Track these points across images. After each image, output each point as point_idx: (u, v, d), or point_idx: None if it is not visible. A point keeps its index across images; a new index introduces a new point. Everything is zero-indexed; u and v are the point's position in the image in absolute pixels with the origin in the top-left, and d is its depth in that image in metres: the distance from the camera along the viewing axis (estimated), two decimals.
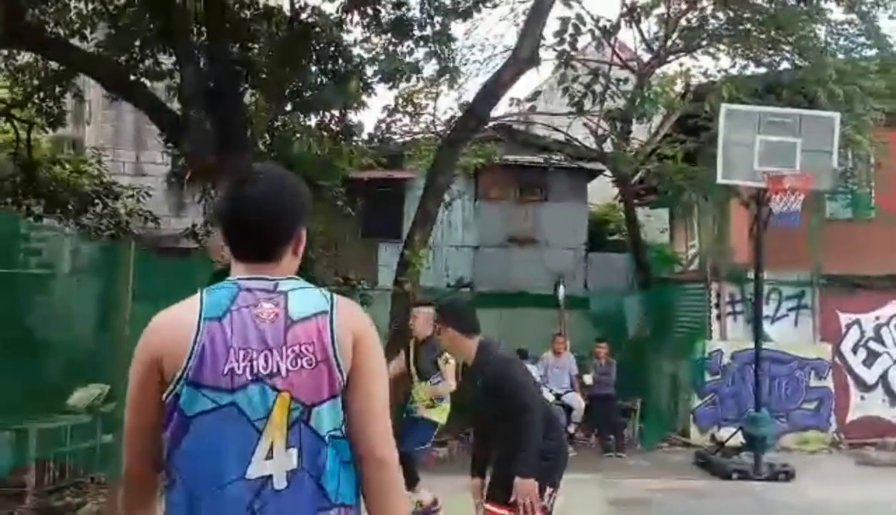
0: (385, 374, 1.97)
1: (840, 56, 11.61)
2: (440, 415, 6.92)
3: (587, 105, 12.21)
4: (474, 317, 4.63)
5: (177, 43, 9.44)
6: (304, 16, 10.61)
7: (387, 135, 12.63)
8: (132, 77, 10.29)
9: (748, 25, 12.34)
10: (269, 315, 1.84)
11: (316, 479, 1.81)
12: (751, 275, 10.40)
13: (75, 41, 10.25)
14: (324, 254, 10.98)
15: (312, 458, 1.81)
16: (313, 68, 10.71)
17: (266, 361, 1.80)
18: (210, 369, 1.79)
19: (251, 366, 1.80)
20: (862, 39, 12.09)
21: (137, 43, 10.31)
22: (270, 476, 1.78)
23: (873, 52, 11.83)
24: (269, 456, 1.78)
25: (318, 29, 10.59)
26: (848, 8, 11.63)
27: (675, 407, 12.53)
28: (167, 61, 10.47)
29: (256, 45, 10.91)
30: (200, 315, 1.83)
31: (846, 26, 12.21)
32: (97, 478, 7.60)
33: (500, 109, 12.90)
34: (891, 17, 11.76)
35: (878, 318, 12.21)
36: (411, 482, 6.36)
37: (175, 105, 10.17)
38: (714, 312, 12.15)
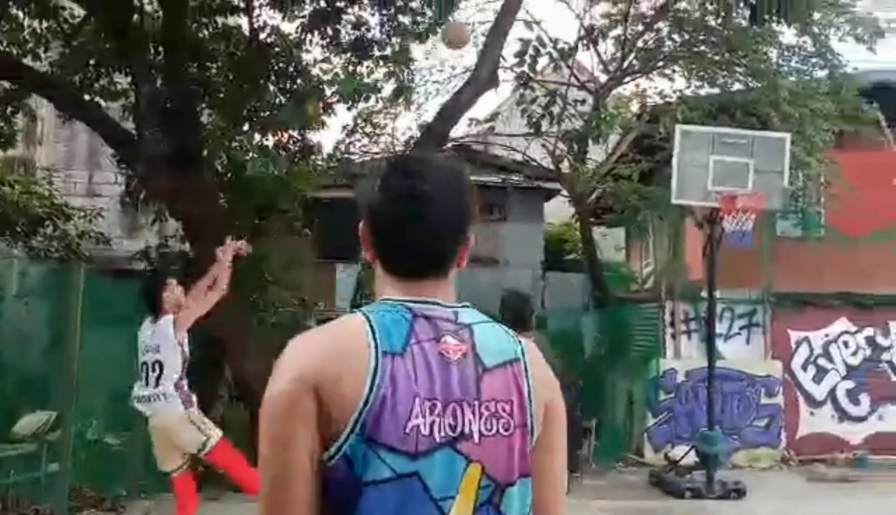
0: (564, 447, 1.55)
1: (791, 78, 11.93)
2: None
3: (545, 126, 12.34)
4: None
5: (132, 62, 9.33)
6: (262, 36, 10.57)
7: (346, 155, 12.60)
8: (86, 97, 10.13)
9: (702, 47, 12.63)
10: (456, 355, 1.41)
11: None
12: (704, 294, 10.56)
13: (28, 60, 10.07)
14: (281, 276, 10.90)
15: None
16: (272, 88, 10.67)
17: (455, 418, 1.37)
18: (391, 422, 1.32)
19: (439, 424, 1.36)
20: (813, 61, 12.41)
21: (92, 62, 10.16)
22: None
23: (824, 73, 12.16)
24: None
25: (276, 49, 10.56)
26: (799, 31, 11.94)
27: (630, 426, 12.64)
28: (122, 81, 10.34)
29: (214, 65, 10.82)
30: (376, 346, 1.36)
31: (798, 48, 12.54)
32: (42, 511, 7.36)
33: (460, 129, 12.97)
34: (841, 40, 12.08)
35: (826, 335, 12.48)
36: None
37: (130, 125, 10.04)
38: (668, 330, 12.32)
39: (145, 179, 10.00)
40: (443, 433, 1.35)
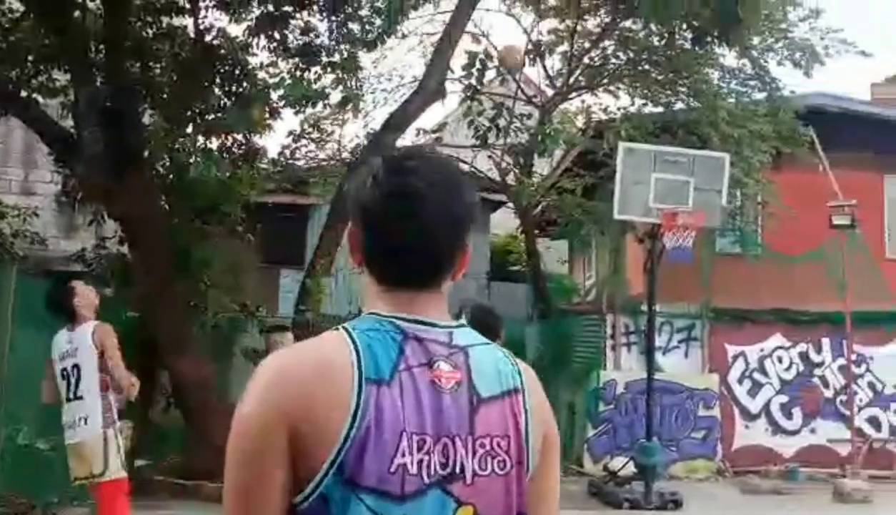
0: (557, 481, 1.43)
1: (731, 99, 12.24)
2: None
3: (491, 139, 12.43)
4: None
5: (73, 60, 9.12)
6: (208, 37, 10.43)
7: (291, 160, 12.50)
8: (23, 93, 9.86)
9: (647, 67, 12.88)
10: (449, 383, 1.25)
11: None
12: (644, 307, 10.73)
13: None
14: (223, 280, 10.75)
15: None
16: (217, 91, 10.52)
17: (446, 456, 1.22)
18: (375, 461, 1.17)
19: (428, 462, 1.20)
20: (752, 83, 12.75)
21: (30, 58, 9.89)
22: None
23: (762, 96, 12.50)
24: None
25: (222, 51, 10.42)
26: (739, 54, 12.26)
27: (570, 437, 12.75)
28: (62, 78, 10.08)
29: (158, 65, 10.63)
30: (359, 371, 1.20)
31: (738, 71, 12.87)
32: None
33: (407, 138, 12.97)
34: (779, 64, 12.46)
35: (762, 350, 12.78)
36: None
37: (69, 123, 9.80)
38: (609, 343, 12.49)
39: (83, 178, 9.78)
40: (432, 473, 1.21)
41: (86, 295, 5.21)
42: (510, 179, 13.91)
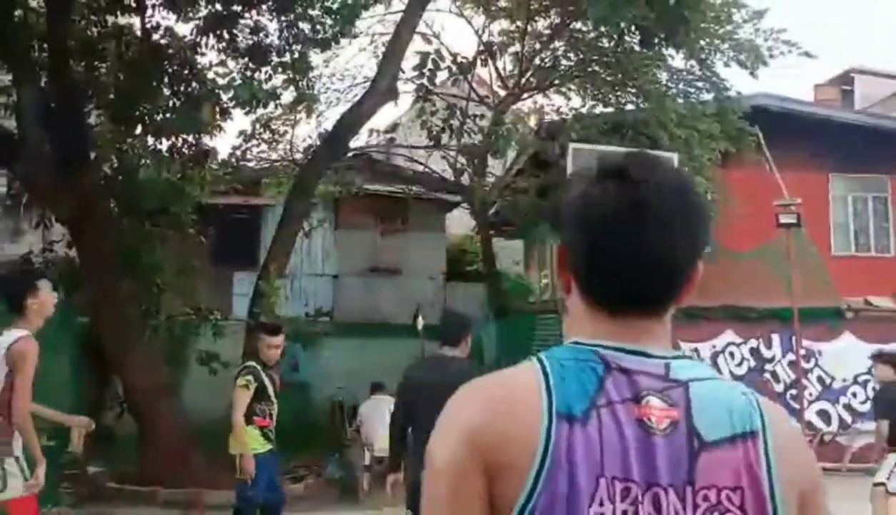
0: None
1: (679, 100, 12.41)
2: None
3: (445, 139, 12.45)
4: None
5: (14, 59, 8.91)
6: (156, 36, 10.28)
7: (242, 161, 12.37)
8: None
9: (596, 67, 12.99)
10: (662, 423, 1.07)
11: None
12: None
13: None
14: (175, 283, 10.60)
15: None
16: (165, 91, 10.37)
17: (658, 509, 1.04)
18: (565, 511, 1.03)
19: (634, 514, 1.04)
20: (699, 84, 12.95)
21: None
22: None
23: (710, 96, 12.70)
24: None
25: (170, 50, 10.28)
26: (687, 56, 12.44)
27: None
28: (4, 78, 9.85)
29: (104, 65, 10.44)
30: (550, 406, 1.06)
31: (685, 72, 13.07)
32: None
33: (361, 138, 12.94)
34: (726, 65, 12.65)
35: (714, 346, 13.00)
36: None
37: (11, 124, 9.57)
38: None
39: (27, 180, 9.57)
40: None
41: (44, 301, 4.48)
42: (464, 179, 13.95)
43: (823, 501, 1.17)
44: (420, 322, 13.53)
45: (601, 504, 1.02)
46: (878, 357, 7.49)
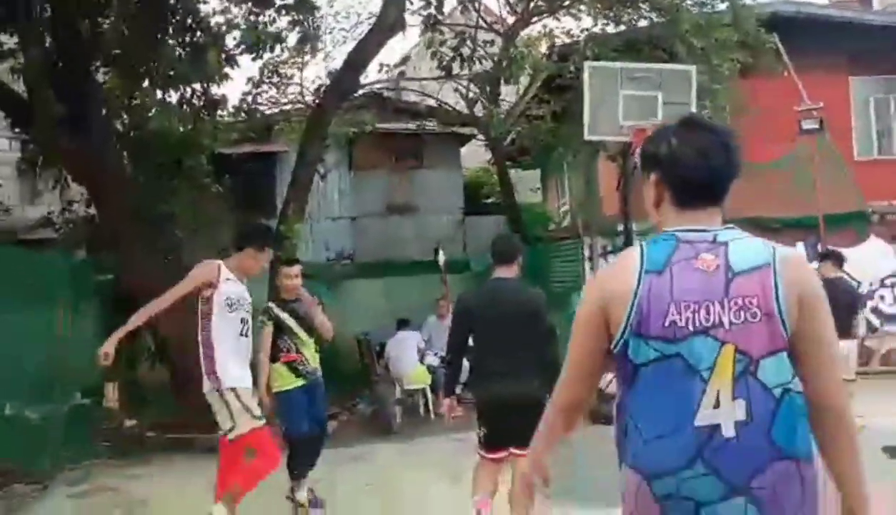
0: (831, 326, 1.93)
1: (694, 10, 12.06)
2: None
3: (456, 68, 12.22)
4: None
5: (18, 20, 8.79)
6: None
7: (253, 107, 12.24)
8: None
9: None
10: (710, 267, 1.88)
11: (766, 431, 1.81)
12: (621, 227, 10.75)
13: None
14: (195, 235, 10.61)
15: (761, 410, 1.81)
16: (170, 41, 10.22)
17: (708, 312, 1.85)
18: (653, 321, 1.87)
19: (693, 318, 1.85)
20: None
21: None
22: (719, 425, 1.81)
23: (724, 5, 12.33)
24: (717, 405, 1.81)
25: (172, 0, 10.09)
26: None
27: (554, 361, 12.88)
28: (9, 41, 9.74)
29: (106, 21, 10.29)
30: (641, 268, 1.91)
31: None
32: None
33: (371, 75, 12.76)
34: None
35: None
36: (301, 472, 5.90)
37: (20, 86, 9.51)
38: (588, 265, 12.53)
39: (41, 143, 9.55)
40: (698, 324, 1.85)
41: None
42: (478, 110, 13.75)
43: (822, 306, 1.91)
44: (441, 258, 13.54)
45: (672, 314, 1.87)
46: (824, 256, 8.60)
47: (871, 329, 12.75)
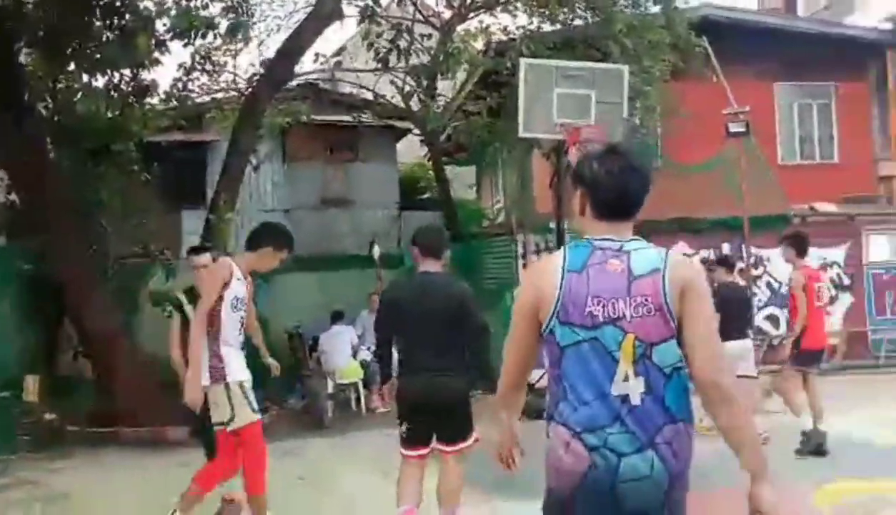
0: (712, 313, 2.37)
1: (627, 11, 12.25)
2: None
3: (392, 61, 12.17)
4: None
5: None
6: None
7: (184, 94, 11.94)
8: None
9: None
10: (617, 270, 2.31)
11: (661, 400, 2.27)
12: (553, 225, 10.87)
13: None
14: (122, 225, 10.34)
15: (657, 384, 2.28)
16: (97, 23, 9.89)
17: (615, 307, 2.28)
18: (575, 311, 2.29)
19: (604, 311, 2.28)
20: None
21: None
22: (628, 395, 2.26)
23: (657, 8, 12.56)
24: (626, 379, 2.27)
25: None
26: None
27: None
28: None
29: (30, 0, 9.90)
30: (564, 268, 2.33)
31: None
32: None
33: (306, 65, 12.59)
34: None
35: None
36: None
37: None
38: (521, 262, 12.64)
39: None
40: (607, 316, 2.28)
41: None
42: (414, 104, 13.72)
43: (700, 293, 2.33)
44: (376, 252, 13.48)
45: (589, 306, 2.30)
46: (710, 263, 8.77)
47: (791, 329, 13.18)
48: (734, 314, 7.55)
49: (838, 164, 16.44)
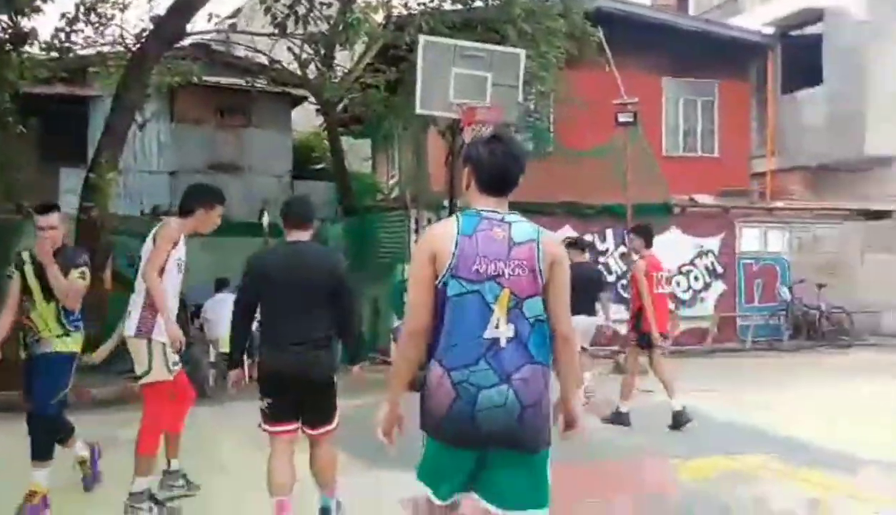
0: (568, 282, 2.90)
1: None
2: (76, 344, 5.17)
3: (290, 27, 11.92)
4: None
5: None
6: None
7: (66, 46, 11.34)
8: None
9: None
10: (499, 237, 2.80)
11: (524, 345, 2.77)
12: (447, 202, 10.98)
13: None
14: None
15: (523, 331, 2.78)
16: None
17: (496, 267, 2.76)
18: (465, 266, 2.75)
19: (487, 269, 2.76)
20: None
21: None
22: (498, 339, 2.75)
23: None
24: (497, 326, 2.75)
25: None
26: None
27: (375, 328, 13.02)
28: None
29: None
30: (457, 232, 2.79)
31: None
32: None
33: (199, 25, 12.17)
34: None
35: None
36: (65, 436, 5.24)
37: None
38: (413, 237, 12.71)
39: None
40: (490, 273, 2.76)
41: None
42: (311, 72, 13.50)
43: (564, 269, 2.88)
44: (266, 220, 13.24)
45: (476, 264, 2.76)
46: (570, 244, 9.13)
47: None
48: (581, 293, 7.91)
49: (718, 158, 17.31)
